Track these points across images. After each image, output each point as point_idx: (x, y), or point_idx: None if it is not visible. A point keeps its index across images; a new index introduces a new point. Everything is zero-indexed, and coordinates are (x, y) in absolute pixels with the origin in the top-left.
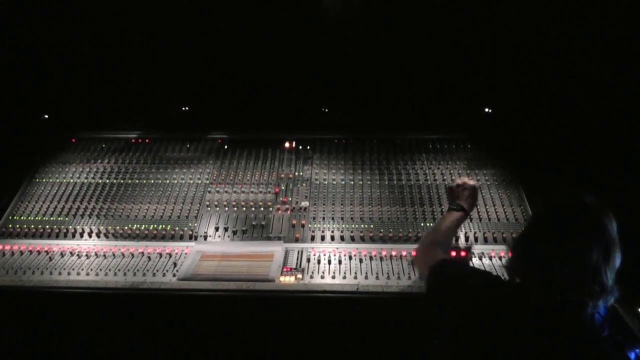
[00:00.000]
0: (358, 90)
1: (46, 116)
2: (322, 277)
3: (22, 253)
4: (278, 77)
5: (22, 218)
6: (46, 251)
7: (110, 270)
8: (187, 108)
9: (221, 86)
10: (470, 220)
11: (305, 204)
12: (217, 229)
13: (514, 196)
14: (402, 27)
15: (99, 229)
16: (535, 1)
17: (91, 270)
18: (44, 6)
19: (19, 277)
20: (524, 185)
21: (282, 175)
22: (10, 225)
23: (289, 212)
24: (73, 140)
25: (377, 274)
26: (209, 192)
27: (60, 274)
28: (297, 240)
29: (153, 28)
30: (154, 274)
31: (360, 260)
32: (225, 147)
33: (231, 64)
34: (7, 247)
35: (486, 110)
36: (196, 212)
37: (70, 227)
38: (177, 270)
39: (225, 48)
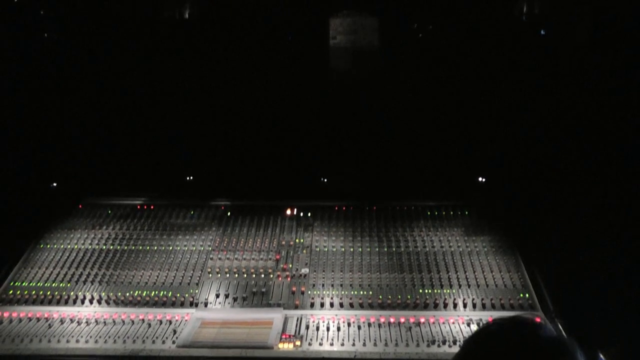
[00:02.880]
0: (357, 159)
1: (54, 184)
2: (321, 344)
3: (21, 320)
4: (279, 146)
5: (23, 284)
6: (46, 318)
7: (109, 337)
8: (191, 178)
9: (225, 155)
10: (468, 287)
11: (305, 270)
12: (217, 295)
13: (511, 262)
14: (399, 97)
15: (100, 296)
16: (524, 70)
17: (90, 337)
18: (50, 72)
19: (16, 345)
20: (520, 251)
21: (283, 242)
22: (10, 292)
23: (289, 279)
24: (80, 206)
25: (375, 340)
26: (211, 258)
27: (59, 341)
28: (296, 307)
29: (158, 98)
30: (153, 341)
31: (359, 327)
32: (228, 214)
33: (234, 134)
34: (7, 314)
35: (482, 179)
36: (197, 278)
37: (72, 293)
38: (176, 337)
39: (228, 119)
